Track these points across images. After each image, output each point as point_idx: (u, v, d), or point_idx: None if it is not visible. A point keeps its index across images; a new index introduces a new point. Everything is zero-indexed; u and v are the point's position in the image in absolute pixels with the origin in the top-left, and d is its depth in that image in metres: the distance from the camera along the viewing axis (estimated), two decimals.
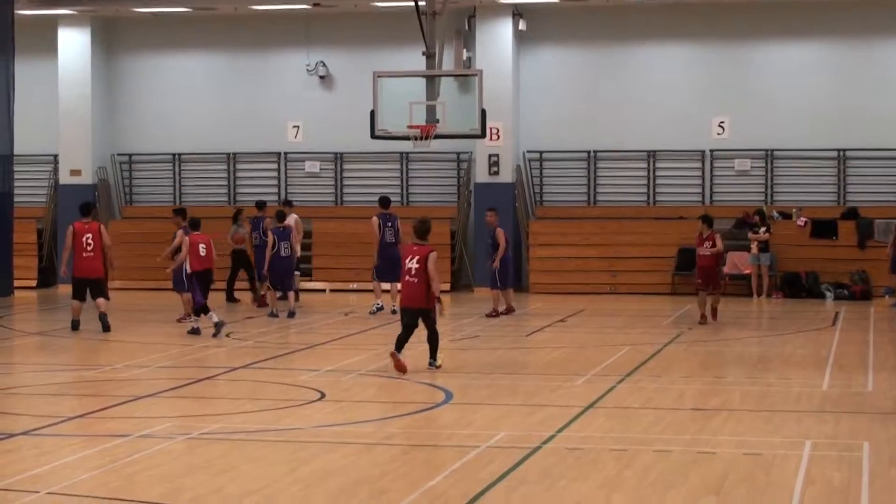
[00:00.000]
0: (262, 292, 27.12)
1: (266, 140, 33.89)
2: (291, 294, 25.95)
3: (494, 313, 25.55)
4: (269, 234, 25.69)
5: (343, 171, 33.81)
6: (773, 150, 31.79)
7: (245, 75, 34.09)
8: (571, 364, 18.92)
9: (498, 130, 31.38)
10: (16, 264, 31.40)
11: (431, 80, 24.91)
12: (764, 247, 29.80)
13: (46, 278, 33.39)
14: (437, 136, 24.95)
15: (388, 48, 32.46)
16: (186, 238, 22.81)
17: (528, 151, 32.79)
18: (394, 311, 26.18)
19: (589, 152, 32.66)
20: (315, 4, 32.36)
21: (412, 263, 17.93)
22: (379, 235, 26.32)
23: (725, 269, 29.10)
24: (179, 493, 10.76)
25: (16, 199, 31.59)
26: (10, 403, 15.77)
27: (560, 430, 13.47)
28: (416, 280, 17.92)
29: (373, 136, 25.20)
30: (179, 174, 34.63)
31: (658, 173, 32.42)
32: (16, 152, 31.11)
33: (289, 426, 13.93)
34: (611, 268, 31.31)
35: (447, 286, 30.84)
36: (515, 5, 31.88)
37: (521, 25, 32.01)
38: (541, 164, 32.99)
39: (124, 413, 14.77)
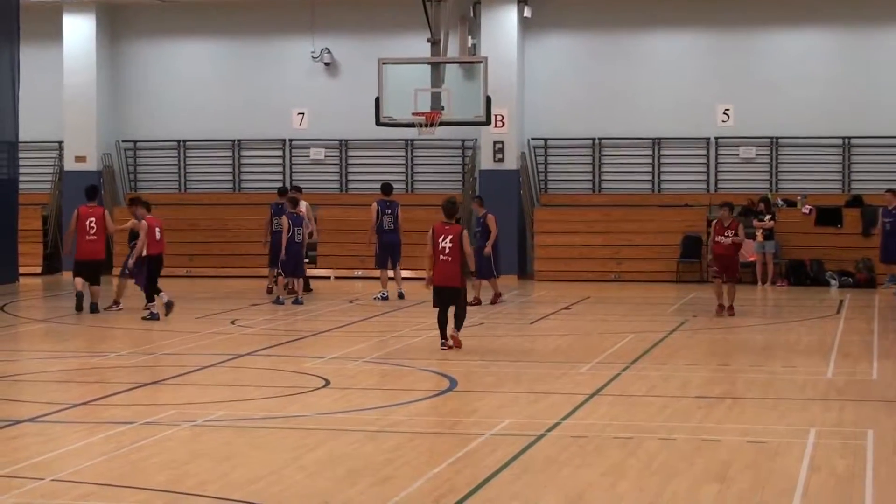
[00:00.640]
0: (273, 280, 27.20)
1: (271, 127, 33.88)
2: (300, 281, 25.97)
3: (497, 298, 25.48)
4: (284, 219, 25.65)
5: (348, 158, 33.79)
6: (777, 138, 31.75)
7: (250, 62, 34.08)
8: (576, 351, 18.93)
9: (503, 117, 31.35)
10: (20, 251, 31.42)
11: (436, 67, 24.90)
12: (769, 234, 29.78)
13: (51, 265, 33.41)
14: (442, 123, 24.97)
15: (393, 35, 32.44)
16: (144, 222, 23.02)
17: (533, 139, 32.76)
18: (400, 296, 26.22)
19: (594, 139, 32.63)
20: None
21: (445, 243, 18.26)
22: (377, 222, 26.32)
23: None
24: (184, 480, 10.77)
25: (21, 185, 31.61)
26: (15, 390, 15.79)
27: (565, 418, 13.47)
28: (450, 259, 18.33)
29: (378, 123, 25.20)
30: (184, 161, 34.64)
31: (663, 161, 32.40)
32: (21, 139, 31.15)
33: (294, 413, 13.94)
34: (615, 255, 31.30)
35: None
36: None
37: (527, 12, 31.97)
38: (545, 152, 32.97)
39: (129, 400, 14.78)
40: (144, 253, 22.77)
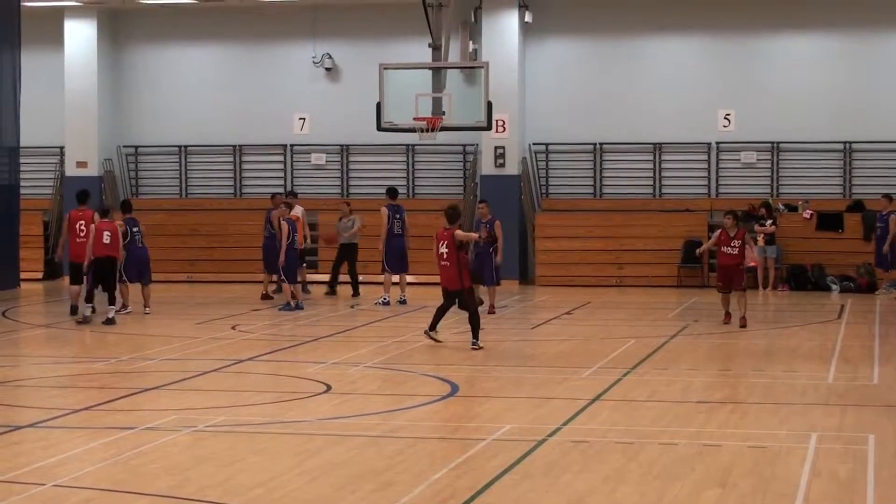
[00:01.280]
0: (269, 286, 27.27)
1: (272, 132, 33.89)
2: (297, 287, 25.97)
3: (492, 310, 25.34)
4: (284, 224, 25.60)
5: (349, 163, 33.81)
6: (779, 143, 31.75)
7: (251, 67, 34.10)
8: (577, 357, 18.92)
9: (504, 122, 31.36)
10: (22, 256, 31.40)
11: (437, 73, 24.90)
12: (770, 239, 29.79)
13: (52, 270, 33.39)
14: (443, 129, 24.95)
15: (394, 40, 32.47)
16: (93, 225, 23.35)
17: (534, 144, 32.77)
18: (401, 302, 26.26)
19: (595, 144, 32.63)
20: None
21: (442, 248, 18.78)
22: (388, 226, 26.34)
23: None
24: (185, 486, 10.77)
25: (22, 190, 31.60)
26: (17, 396, 15.80)
27: (566, 423, 13.47)
28: (447, 264, 18.95)
29: (379, 128, 25.20)
30: (185, 166, 34.65)
31: (664, 165, 32.40)
32: (22, 144, 31.14)
33: (295, 419, 13.93)
34: (616, 260, 31.30)
35: None
36: None
37: (528, 17, 31.99)
38: (547, 157, 32.98)
39: (130, 405, 14.78)
40: (92, 256, 23.07)
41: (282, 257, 25.29)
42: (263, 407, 14.74)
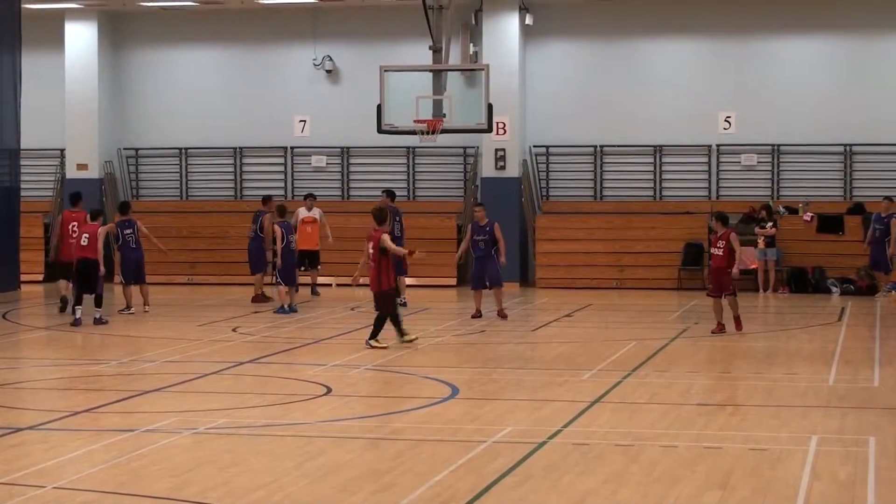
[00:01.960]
0: (260, 289, 27.31)
1: (272, 134, 33.89)
2: (293, 290, 25.94)
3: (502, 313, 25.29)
4: (277, 228, 25.54)
5: (349, 165, 33.80)
6: (779, 145, 31.75)
7: (252, 69, 34.10)
8: (578, 359, 18.92)
9: (504, 125, 31.36)
10: (22, 258, 31.37)
11: (438, 75, 24.92)
12: (770, 242, 29.78)
13: (53, 273, 33.32)
14: (444, 131, 24.97)
15: (394, 42, 32.48)
16: (74, 224, 23.92)
17: (535, 146, 32.77)
18: (401, 304, 26.21)
19: (595, 147, 32.63)
20: None
21: (370, 249, 19.16)
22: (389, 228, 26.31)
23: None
24: (186, 488, 10.77)
25: (22, 193, 31.57)
26: (17, 398, 15.80)
27: (566, 425, 13.48)
28: (373, 264, 19.15)
29: (379, 130, 25.21)
30: (186, 168, 34.64)
31: (664, 168, 32.39)
32: (22, 146, 31.08)
33: (295, 421, 13.93)
34: (617, 262, 31.30)
35: (453, 281, 30.86)
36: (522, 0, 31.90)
37: (528, 20, 31.99)
38: (547, 159, 32.97)
39: (131, 408, 14.78)
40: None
41: (278, 261, 25.28)
42: (264, 409, 14.74)
